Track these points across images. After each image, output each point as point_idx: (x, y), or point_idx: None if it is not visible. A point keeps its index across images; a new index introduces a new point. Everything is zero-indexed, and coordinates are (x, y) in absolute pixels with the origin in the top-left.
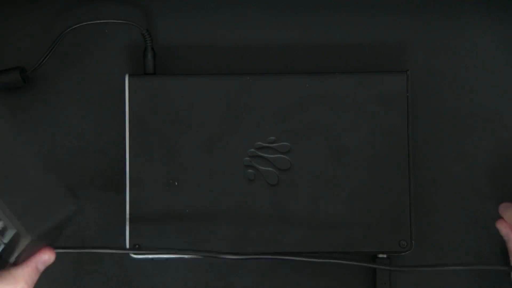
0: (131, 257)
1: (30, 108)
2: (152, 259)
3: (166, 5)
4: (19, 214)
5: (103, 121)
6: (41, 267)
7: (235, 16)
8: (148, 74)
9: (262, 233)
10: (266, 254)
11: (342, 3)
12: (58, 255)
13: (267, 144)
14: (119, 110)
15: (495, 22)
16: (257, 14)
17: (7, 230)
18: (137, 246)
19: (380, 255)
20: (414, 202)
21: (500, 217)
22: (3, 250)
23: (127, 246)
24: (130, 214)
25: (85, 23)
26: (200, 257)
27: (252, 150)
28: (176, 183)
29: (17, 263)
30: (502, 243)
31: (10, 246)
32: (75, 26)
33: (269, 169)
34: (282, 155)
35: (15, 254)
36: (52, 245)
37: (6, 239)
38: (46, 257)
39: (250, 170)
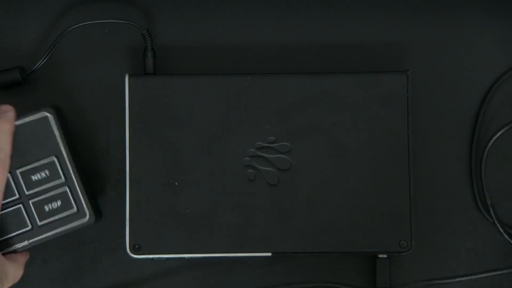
0: (131, 257)
1: (30, 108)
2: (152, 259)
3: (166, 5)
4: None
5: (103, 121)
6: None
7: (235, 16)
8: (148, 74)
9: (262, 233)
10: (266, 254)
11: (342, 3)
12: (58, 255)
13: (267, 144)
14: (119, 110)
15: (495, 22)
16: (257, 14)
17: None
18: (137, 246)
19: (380, 255)
20: (414, 202)
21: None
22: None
23: (127, 246)
24: (130, 214)
25: (85, 23)
26: (200, 257)
27: (252, 150)
28: (176, 183)
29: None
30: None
31: None
32: (75, 26)
33: (269, 169)
34: (282, 155)
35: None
36: None
37: None
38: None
39: (250, 170)
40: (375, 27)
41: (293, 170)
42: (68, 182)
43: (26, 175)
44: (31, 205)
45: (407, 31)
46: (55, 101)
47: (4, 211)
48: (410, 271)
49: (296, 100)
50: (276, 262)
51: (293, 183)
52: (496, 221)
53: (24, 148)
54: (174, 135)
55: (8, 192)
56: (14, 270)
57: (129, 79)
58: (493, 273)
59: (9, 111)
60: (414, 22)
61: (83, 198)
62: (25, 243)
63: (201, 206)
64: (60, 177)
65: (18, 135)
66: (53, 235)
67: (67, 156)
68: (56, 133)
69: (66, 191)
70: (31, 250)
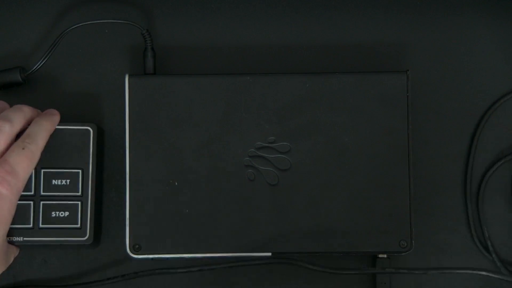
0: (131, 257)
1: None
2: (152, 259)
3: (166, 5)
4: None
5: (103, 121)
6: None
7: (235, 16)
8: (148, 74)
9: (262, 233)
10: (266, 254)
11: (342, 3)
12: (58, 254)
13: (267, 144)
14: (119, 110)
15: (495, 22)
16: (257, 14)
17: None
18: (137, 246)
19: (380, 255)
20: (414, 202)
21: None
22: None
23: (127, 246)
24: (130, 214)
25: (85, 23)
26: (200, 257)
27: (252, 150)
28: (176, 183)
29: None
30: (502, 242)
31: None
32: (75, 26)
33: (269, 169)
34: (282, 155)
35: None
36: None
37: None
38: None
39: (250, 170)
40: (375, 27)
41: (293, 170)
42: (83, 198)
43: (48, 177)
44: (41, 206)
45: (407, 31)
46: (55, 101)
47: None
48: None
49: (296, 100)
50: (276, 262)
51: (293, 183)
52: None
53: (57, 152)
54: (174, 135)
55: (26, 185)
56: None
57: (129, 79)
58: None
59: (56, 115)
60: (414, 22)
61: (90, 218)
62: (20, 239)
63: (201, 206)
64: (78, 191)
65: (57, 138)
66: (48, 241)
67: (91, 174)
68: (91, 149)
69: (78, 205)
70: (30, 249)
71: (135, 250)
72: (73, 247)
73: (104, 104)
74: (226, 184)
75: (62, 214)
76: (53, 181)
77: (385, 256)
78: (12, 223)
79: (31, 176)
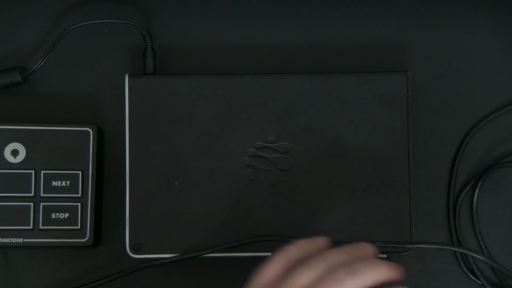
0: (131, 257)
1: (30, 108)
2: (152, 259)
3: (166, 5)
4: None
5: (103, 121)
6: None
7: (235, 16)
8: (148, 74)
9: (262, 233)
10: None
11: (342, 3)
12: (58, 254)
13: (267, 144)
14: (119, 110)
15: (495, 22)
16: (257, 14)
17: None
18: (137, 246)
19: (380, 255)
20: (414, 202)
21: None
22: None
23: (127, 246)
24: (130, 214)
25: (85, 23)
26: (200, 257)
27: (252, 150)
28: (176, 183)
29: None
30: (503, 243)
31: None
32: (75, 26)
33: (269, 169)
34: (282, 155)
35: None
36: None
37: None
38: None
39: (250, 170)
40: (375, 27)
41: (293, 170)
42: (83, 199)
43: (48, 178)
44: (41, 208)
45: (407, 31)
46: (55, 101)
47: (14, 204)
48: (410, 271)
49: (296, 100)
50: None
51: (293, 183)
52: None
53: (57, 153)
54: (174, 135)
55: (25, 187)
56: None
57: (129, 79)
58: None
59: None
60: (414, 22)
61: (90, 220)
62: (20, 240)
63: (201, 206)
64: (78, 192)
65: (57, 139)
66: (48, 242)
67: (91, 175)
68: (91, 150)
69: (78, 207)
70: (30, 250)
71: (135, 250)
72: (73, 248)
73: (104, 104)
74: (226, 184)
75: (62, 215)
76: (53, 182)
77: (385, 256)
78: (12, 224)
79: (31, 178)
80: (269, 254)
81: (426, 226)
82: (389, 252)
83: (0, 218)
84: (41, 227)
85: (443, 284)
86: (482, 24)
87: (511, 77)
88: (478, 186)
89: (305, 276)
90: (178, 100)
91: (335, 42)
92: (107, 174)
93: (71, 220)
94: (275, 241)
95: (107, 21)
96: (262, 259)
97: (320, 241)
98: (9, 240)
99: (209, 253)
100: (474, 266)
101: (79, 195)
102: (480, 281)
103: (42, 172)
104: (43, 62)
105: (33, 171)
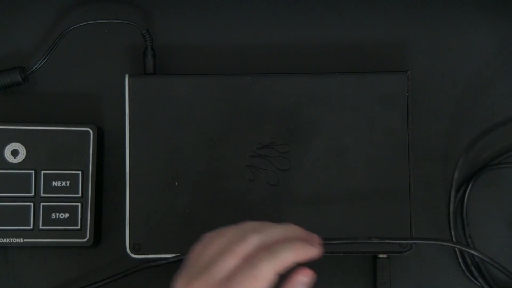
0: (131, 257)
1: (30, 108)
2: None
3: (166, 5)
4: None
5: (103, 121)
6: None
7: (235, 16)
8: (148, 74)
9: None
10: None
11: (342, 3)
12: (58, 255)
13: (267, 145)
14: (119, 110)
15: (495, 22)
16: (257, 14)
17: None
18: (137, 246)
19: (380, 255)
20: (414, 202)
21: None
22: None
23: (127, 246)
24: (130, 214)
25: (85, 23)
26: None
27: (252, 150)
28: (176, 183)
29: None
30: (503, 242)
31: None
32: (75, 26)
33: (269, 169)
34: (282, 155)
35: None
36: None
37: None
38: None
39: (250, 170)
40: (375, 27)
41: (293, 170)
42: (83, 199)
43: (48, 178)
44: (41, 208)
45: (407, 31)
46: (55, 101)
47: (14, 204)
48: (410, 271)
49: (296, 100)
50: None
51: (293, 183)
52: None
53: (57, 153)
54: (174, 135)
55: (25, 187)
56: None
57: (129, 79)
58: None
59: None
60: (414, 22)
61: (90, 220)
62: (20, 240)
63: (201, 206)
64: (78, 192)
65: (57, 139)
66: (48, 242)
67: (92, 176)
68: (91, 150)
69: (78, 207)
70: (30, 250)
71: (135, 250)
72: (73, 248)
73: (104, 104)
74: (226, 184)
75: (62, 215)
76: (53, 182)
77: (385, 256)
78: (12, 225)
79: (31, 178)
80: None
81: (426, 226)
82: (389, 252)
83: (0, 218)
84: (41, 227)
85: (443, 284)
86: (482, 24)
87: (511, 77)
88: (469, 187)
89: (224, 262)
90: (178, 100)
91: (335, 42)
92: (107, 174)
93: (71, 220)
94: None
95: (107, 21)
96: None
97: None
98: (9, 240)
99: None
100: (473, 267)
101: (79, 195)
102: (479, 282)
103: (42, 172)
104: (43, 62)
105: (33, 171)
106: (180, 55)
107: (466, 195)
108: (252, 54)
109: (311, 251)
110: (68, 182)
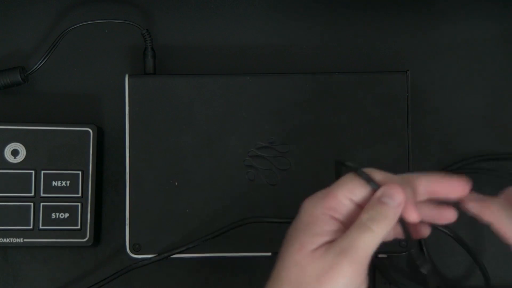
0: (131, 257)
1: (30, 108)
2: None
3: (166, 5)
4: None
5: (103, 121)
6: None
7: (235, 16)
8: (148, 74)
9: (262, 233)
10: (266, 254)
11: (342, 4)
12: (58, 255)
13: (267, 144)
14: (119, 110)
15: (495, 22)
16: (257, 14)
17: None
18: (137, 246)
19: (380, 255)
20: None
21: None
22: None
23: (127, 246)
24: (130, 214)
25: (85, 23)
26: (200, 257)
27: (252, 150)
28: (176, 183)
29: None
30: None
31: None
32: (75, 26)
33: (269, 169)
34: (282, 155)
35: None
36: None
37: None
38: None
39: (250, 170)
40: (375, 27)
41: (293, 170)
42: (83, 199)
43: (48, 178)
44: (41, 208)
45: (407, 31)
46: (55, 101)
47: (14, 204)
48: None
49: (296, 100)
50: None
51: (293, 183)
52: None
53: (57, 153)
54: (174, 135)
55: (25, 187)
56: None
57: (129, 79)
58: None
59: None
60: (414, 22)
61: (90, 220)
62: (20, 240)
63: (201, 206)
64: (78, 192)
65: (57, 139)
66: (48, 242)
67: (91, 175)
68: (91, 150)
69: (78, 207)
70: (30, 250)
71: (135, 250)
72: (73, 248)
73: (104, 104)
74: (226, 184)
75: (62, 215)
76: (53, 182)
77: (385, 256)
78: (12, 224)
79: (31, 178)
80: (268, 254)
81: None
82: (389, 252)
83: (0, 218)
84: (41, 227)
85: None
86: (482, 24)
87: (511, 77)
88: None
89: None
90: (178, 100)
91: (335, 42)
92: (107, 174)
93: (71, 220)
94: (260, 222)
95: (107, 21)
96: (262, 259)
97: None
98: (9, 240)
99: (188, 248)
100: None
101: (79, 195)
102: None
103: (42, 172)
104: (43, 62)
105: (33, 171)
106: (180, 55)
107: None
108: (252, 54)
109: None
110: (68, 182)
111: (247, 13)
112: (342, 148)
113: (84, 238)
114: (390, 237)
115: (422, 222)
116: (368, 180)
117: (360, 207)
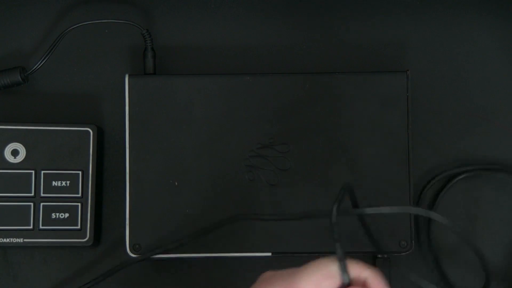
0: (131, 257)
1: (30, 108)
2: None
3: (166, 5)
4: None
5: (103, 121)
6: None
7: (235, 16)
8: (148, 74)
9: (262, 233)
10: (266, 254)
11: (342, 3)
12: (58, 255)
13: (267, 144)
14: (119, 110)
15: (495, 22)
16: (257, 14)
17: None
18: (137, 246)
19: (380, 255)
20: (414, 202)
21: None
22: None
23: (127, 246)
24: (130, 214)
25: (85, 23)
26: (200, 257)
27: (252, 150)
28: (176, 183)
29: None
30: (503, 242)
31: None
32: (75, 26)
33: (269, 169)
34: (282, 155)
35: None
36: None
37: None
38: None
39: (250, 170)
40: (375, 27)
41: (293, 170)
42: (83, 199)
43: (48, 178)
44: (41, 208)
45: (407, 31)
46: (55, 101)
47: (14, 203)
48: (410, 271)
49: (296, 100)
50: (276, 262)
51: (293, 183)
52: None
53: (57, 153)
54: (174, 135)
55: (25, 187)
56: None
57: (129, 79)
58: None
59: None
60: (414, 22)
61: (90, 220)
62: (20, 240)
63: (201, 206)
64: (78, 192)
65: (57, 139)
66: (48, 242)
67: (92, 175)
68: (91, 150)
69: (78, 207)
70: (30, 250)
71: (135, 250)
72: (73, 248)
73: (104, 104)
74: (226, 184)
75: (62, 215)
76: (53, 182)
77: (385, 256)
78: (12, 224)
79: (31, 178)
80: (268, 254)
81: (426, 226)
82: (389, 252)
83: (0, 218)
84: (41, 227)
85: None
86: (482, 24)
87: (511, 77)
88: (444, 190)
89: None
90: (178, 100)
91: (335, 42)
92: (107, 174)
93: (71, 220)
94: (248, 219)
95: (107, 21)
96: (262, 259)
97: None
98: (9, 240)
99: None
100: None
101: (79, 195)
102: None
103: (42, 172)
104: (43, 62)
105: (33, 171)
106: (180, 55)
107: (438, 198)
108: (252, 54)
109: None
110: (68, 182)
111: (247, 13)
112: (342, 148)
113: (84, 238)
114: None
115: None
116: (344, 273)
117: None
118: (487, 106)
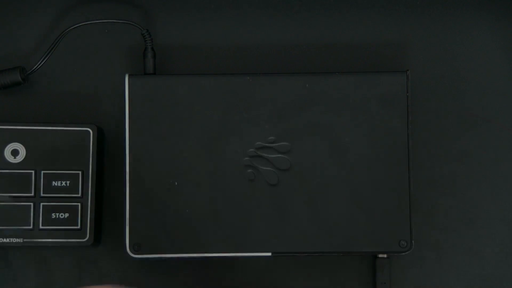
0: (131, 257)
1: (30, 108)
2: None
3: (166, 5)
4: None
5: (103, 121)
6: None
7: (235, 16)
8: (148, 74)
9: (262, 233)
10: (266, 254)
11: (342, 3)
12: (58, 255)
13: (267, 144)
14: (119, 110)
15: (495, 22)
16: (257, 14)
17: None
18: (137, 246)
19: (380, 255)
20: (414, 202)
21: None
22: None
23: (127, 245)
24: (130, 214)
25: (85, 23)
26: (200, 257)
27: (252, 150)
28: (176, 183)
29: None
30: (503, 242)
31: None
32: (75, 26)
33: (269, 169)
34: (282, 155)
35: None
36: None
37: None
38: None
39: (250, 170)
40: (375, 27)
41: (293, 170)
42: (83, 199)
43: (48, 178)
44: (41, 208)
45: (407, 31)
46: (55, 101)
47: (14, 204)
48: (410, 271)
49: (296, 100)
50: (276, 262)
51: (293, 183)
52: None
53: (57, 153)
54: (174, 135)
55: (25, 187)
56: None
57: (129, 79)
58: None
59: None
60: (414, 22)
61: (90, 219)
62: (20, 240)
63: (201, 206)
64: (78, 192)
65: (57, 139)
66: (48, 242)
67: (92, 175)
68: (91, 150)
69: (78, 207)
70: (30, 250)
71: (135, 250)
72: (73, 248)
73: (104, 104)
74: (226, 184)
75: (62, 215)
76: (53, 182)
77: (385, 256)
78: (12, 224)
79: (31, 178)
80: (268, 254)
81: (426, 226)
82: (389, 252)
83: (0, 218)
84: (41, 227)
85: (443, 285)
86: (482, 24)
87: (511, 77)
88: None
89: None
90: (178, 100)
91: (335, 42)
92: (107, 174)
93: (71, 220)
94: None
95: (107, 21)
96: (262, 259)
97: None
98: (9, 240)
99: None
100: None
101: (79, 195)
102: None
103: (42, 172)
104: (43, 62)
105: (33, 171)
106: (180, 55)
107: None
108: (252, 54)
109: None
110: (68, 182)
111: (247, 13)
112: (342, 148)
113: (84, 238)
114: None
115: None
116: None
117: None
118: (487, 106)
